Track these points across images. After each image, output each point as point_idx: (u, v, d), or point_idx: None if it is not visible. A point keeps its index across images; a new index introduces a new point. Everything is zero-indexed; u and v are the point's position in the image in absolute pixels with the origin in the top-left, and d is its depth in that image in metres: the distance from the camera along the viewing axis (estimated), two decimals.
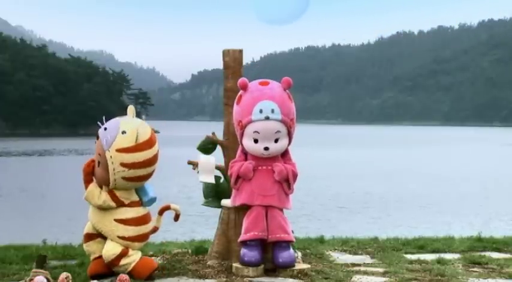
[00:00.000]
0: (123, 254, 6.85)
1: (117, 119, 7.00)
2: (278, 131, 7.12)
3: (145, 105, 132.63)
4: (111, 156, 6.68)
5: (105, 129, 6.80)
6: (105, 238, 6.96)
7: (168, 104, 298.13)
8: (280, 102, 7.11)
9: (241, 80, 7.28)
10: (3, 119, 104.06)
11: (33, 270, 6.48)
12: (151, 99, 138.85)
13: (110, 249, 6.84)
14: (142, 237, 7.05)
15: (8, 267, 7.38)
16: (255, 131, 7.07)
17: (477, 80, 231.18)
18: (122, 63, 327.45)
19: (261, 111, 7.03)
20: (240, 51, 7.96)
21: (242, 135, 7.20)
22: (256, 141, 7.12)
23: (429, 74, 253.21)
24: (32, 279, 6.27)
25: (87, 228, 7.06)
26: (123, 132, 6.74)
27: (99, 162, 6.85)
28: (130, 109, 7.12)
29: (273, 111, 7.04)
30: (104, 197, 6.84)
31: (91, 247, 7.02)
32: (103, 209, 6.89)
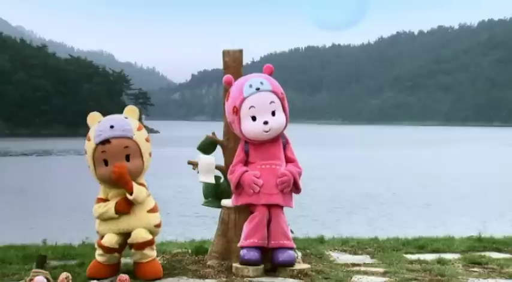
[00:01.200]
0: (151, 243, 7.02)
1: (106, 117, 7.06)
2: (272, 102, 7.18)
3: (145, 105, 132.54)
4: (138, 137, 6.94)
5: (112, 127, 6.86)
6: (121, 252, 7.07)
7: (168, 104, 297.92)
8: (267, 78, 7.31)
9: (226, 76, 7.41)
10: (3, 119, 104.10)
11: (33, 270, 6.47)
12: (151, 99, 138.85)
13: (142, 233, 6.93)
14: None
15: (8, 267, 7.37)
16: (251, 106, 7.10)
17: (477, 80, 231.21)
18: (122, 63, 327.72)
19: (250, 86, 7.16)
20: (240, 51, 7.95)
21: (239, 120, 7.16)
22: (254, 118, 7.12)
23: (429, 74, 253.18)
24: (32, 279, 6.27)
25: (109, 242, 6.90)
26: (126, 118, 7.05)
27: (127, 156, 6.86)
28: (133, 110, 7.25)
29: (261, 83, 7.20)
30: (144, 188, 7.02)
31: (107, 258, 6.96)
32: (133, 205, 6.99)
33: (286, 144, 7.44)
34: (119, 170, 6.76)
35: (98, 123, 6.98)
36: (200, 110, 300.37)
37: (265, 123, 7.12)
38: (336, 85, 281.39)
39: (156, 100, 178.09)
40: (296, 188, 7.36)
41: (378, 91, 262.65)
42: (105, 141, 6.80)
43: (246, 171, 7.21)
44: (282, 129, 7.34)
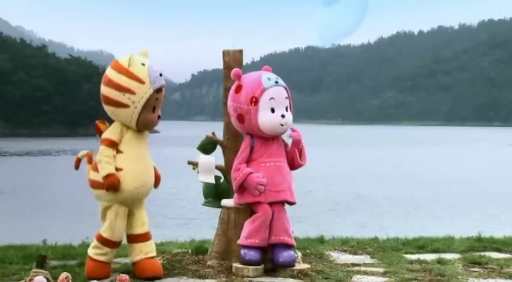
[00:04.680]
0: None
1: (149, 62, 6.94)
2: (286, 97, 7.29)
3: None
4: None
5: (161, 75, 6.94)
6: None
7: (168, 104, 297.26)
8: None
9: (235, 70, 7.38)
10: (3, 119, 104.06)
11: (33, 270, 6.47)
12: None
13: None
14: None
15: (8, 267, 7.37)
16: (271, 98, 7.14)
17: (477, 80, 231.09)
18: None
19: (269, 78, 7.23)
20: (240, 51, 7.96)
21: (257, 111, 7.12)
22: (272, 110, 7.14)
23: (429, 74, 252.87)
24: (32, 279, 6.26)
25: (118, 237, 6.97)
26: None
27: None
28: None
29: (277, 78, 7.33)
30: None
31: (111, 256, 6.97)
32: None
33: (286, 143, 7.50)
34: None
35: (143, 66, 6.78)
36: (200, 110, 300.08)
37: (283, 116, 7.17)
38: (336, 85, 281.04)
39: None
40: (301, 156, 7.43)
41: (378, 91, 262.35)
42: (159, 89, 6.83)
43: (251, 173, 7.16)
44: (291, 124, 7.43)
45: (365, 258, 8.17)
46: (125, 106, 6.66)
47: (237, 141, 7.61)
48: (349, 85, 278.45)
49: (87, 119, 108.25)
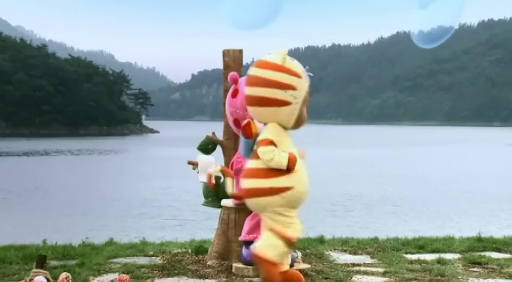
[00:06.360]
0: None
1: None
2: None
3: (145, 105, 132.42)
4: None
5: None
6: None
7: (168, 104, 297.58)
8: None
9: (232, 73, 7.35)
10: (3, 119, 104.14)
11: (33, 270, 6.47)
12: (151, 99, 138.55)
13: None
14: None
15: (8, 267, 7.38)
16: None
17: (477, 80, 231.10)
18: (122, 63, 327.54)
19: None
20: (240, 51, 7.97)
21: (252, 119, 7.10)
22: None
23: (429, 74, 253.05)
24: (32, 279, 6.26)
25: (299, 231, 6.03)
26: None
27: None
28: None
29: None
30: None
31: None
32: None
33: None
34: None
35: (294, 61, 6.38)
36: (200, 110, 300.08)
37: None
38: (336, 85, 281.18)
39: (156, 100, 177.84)
40: None
41: (378, 91, 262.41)
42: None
43: None
44: None
45: (365, 258, 8.18)
46: (288, 103, 6.22)
47: (237, 141, 7.62)
48: (349, 85, 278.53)
49: (87, 119, 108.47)
